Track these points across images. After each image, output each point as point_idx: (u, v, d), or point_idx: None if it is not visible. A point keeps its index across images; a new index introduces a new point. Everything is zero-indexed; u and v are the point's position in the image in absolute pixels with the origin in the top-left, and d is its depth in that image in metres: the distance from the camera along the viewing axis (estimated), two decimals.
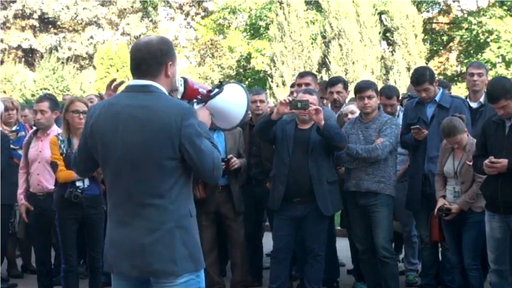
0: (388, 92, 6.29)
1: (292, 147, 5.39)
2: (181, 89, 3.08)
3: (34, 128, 6.15)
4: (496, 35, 19.01)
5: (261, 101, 6.32)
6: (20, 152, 6.12)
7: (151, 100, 2.86)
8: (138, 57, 2.92)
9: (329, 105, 6.49)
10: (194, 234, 2.94)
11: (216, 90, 3.21)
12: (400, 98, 6.53)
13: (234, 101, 3.28)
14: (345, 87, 6.48)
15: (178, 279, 2.86)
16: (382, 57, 19.15)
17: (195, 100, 3.13)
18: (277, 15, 19.49)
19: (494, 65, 18.63)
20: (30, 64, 25.41)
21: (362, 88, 5.51)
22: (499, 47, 18.94)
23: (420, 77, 5.55)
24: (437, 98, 5.57)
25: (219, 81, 3.54)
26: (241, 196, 6.00)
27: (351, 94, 6.41)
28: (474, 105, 6.08)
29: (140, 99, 2.87)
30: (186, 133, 2.81)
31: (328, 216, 5.58)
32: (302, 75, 6.55)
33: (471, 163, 4.94)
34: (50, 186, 5.47)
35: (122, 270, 2.94)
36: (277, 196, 5.42)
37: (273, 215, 5.72)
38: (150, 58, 2.90)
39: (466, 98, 6.24)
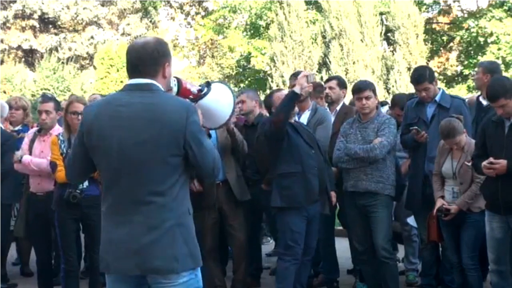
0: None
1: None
2: (175, 89, 3.17)
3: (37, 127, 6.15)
4: (496, 36, 19.00)
5: (243, 102, 6.27)
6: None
7: (155, 98, 2.89)
8: (136, 57, 2.95)
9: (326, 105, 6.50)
10: (193, 232, 2.98)
11: (206, 89, 3.33)
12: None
13: (221, 101, 3.41)
14: (340, 84, 6.46)
15: (178, 279, 2.88)
16: (383, 57, 19.14)
17: (187, 99, 3.19)
18: (277, 14, 19.48)
19: None
20: (30, 64, 25.39)
21: (360, 88, 5.50)
22: (499, 49, 18.93)
23: (420, 76, 5.55)
24: (437, 98, 5.57)
25: (207, 81, 3.59)
26: (241, 184, 5.82)
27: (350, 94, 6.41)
28: (485, 102, 6.09)
29: (143, 97, 2.89)
30: (191, 130, 2.86)
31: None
32: (294, 74, 6.48)
33: (469, 164, 4.95)
34: (51, 186, 5.48)
35: (123, 269, 2.93)
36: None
37: (287, 213, 5.26)
38: (148, 58, 2.93)
39: (479, 96, 6.30)
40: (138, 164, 2.85)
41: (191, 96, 3.25)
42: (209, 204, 5.75)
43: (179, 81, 3.20)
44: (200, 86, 3.36)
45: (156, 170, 2.85)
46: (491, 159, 4.52)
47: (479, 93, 6.56)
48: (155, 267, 2.87)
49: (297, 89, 5.15)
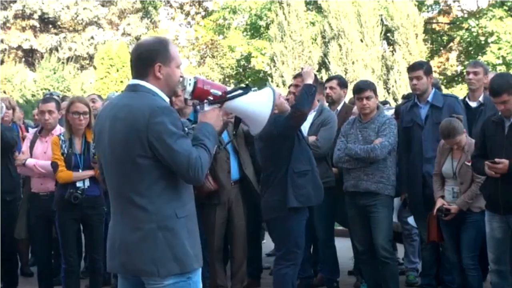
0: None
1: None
2: (189, 88, 3.05)
3: (33, 127, 6.16)
4: (497, 36, 19.00)
5: None
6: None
7: (133, 99, 2.92)
8: (132, 58, 3.02)
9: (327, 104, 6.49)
10: (182, 236, 2.88)
11: (238, 92, 3.11)
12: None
13: (256, 103, 3.17)
14: (341, 84, 6.45)
15: (163, 281, 2.86)
16: (383, 57, 19.14)
17: (205, 100, 3.09)
18: (277, 15, 19.49)
19: (494, 67, 18.58)
20: (31, 64, 25.36)
21: (361, 88, 5.50)
22: (499, 48, 18.92)
23: (417, 65, 5.73)
24: (429, 99, 5.61)
25: (246, 84, 3.46)
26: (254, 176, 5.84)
27: (350, 94, 6.41)
28: (473, 104, 6.10)
29: (125, 98, 2.97)
30: (154, 131, 2.80)
31: None
32: (294, 76, 6.49)
33: (469, 164, 4.95)
34: (54, 186, 5.48)
35: (111, 268, 3.02)
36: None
37: (297, 215, 5.10)
38: (138, 59, 2.98)
39: (465, 97, 6.27)
40: (118, 164, 2.90)
41: (210, 98, 3.07)
42: (222, 200, 5.73)
43: (196, 81, 3.06)
44: (234, 87, 3.16)
45: (130, 171, 2.86)
46: (496, 160, 4.52)
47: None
48: (136, 269, 2.89)
49: (309, 81, 5.11)
